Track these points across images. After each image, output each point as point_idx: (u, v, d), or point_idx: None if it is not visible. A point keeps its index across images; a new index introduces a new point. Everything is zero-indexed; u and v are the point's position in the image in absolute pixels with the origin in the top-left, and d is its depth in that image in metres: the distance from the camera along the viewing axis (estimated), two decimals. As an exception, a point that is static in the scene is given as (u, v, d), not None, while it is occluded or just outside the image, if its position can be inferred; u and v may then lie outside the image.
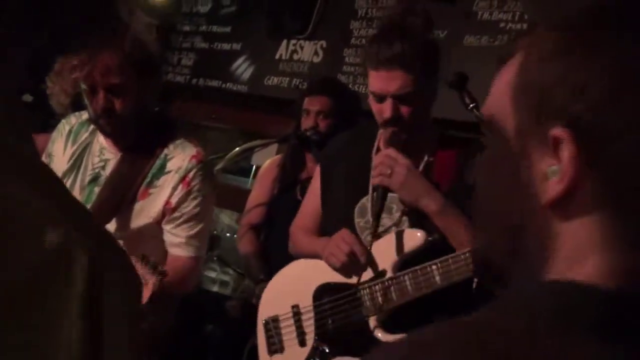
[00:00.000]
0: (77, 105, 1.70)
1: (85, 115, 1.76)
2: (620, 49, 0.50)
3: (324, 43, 3.90)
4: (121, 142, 1.69)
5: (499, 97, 0.57)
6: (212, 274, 3.43)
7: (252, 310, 2.28)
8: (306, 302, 1.72)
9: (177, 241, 1.69)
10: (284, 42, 4.07)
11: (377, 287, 1.61)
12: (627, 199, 0.49)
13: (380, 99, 1.57)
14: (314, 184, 1.90)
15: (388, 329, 1.60)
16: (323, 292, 1.70)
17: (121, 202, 1.66)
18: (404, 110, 1.55)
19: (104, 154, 1.72)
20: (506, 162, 0.56)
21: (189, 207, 1.68)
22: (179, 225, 1.68)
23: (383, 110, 1.58)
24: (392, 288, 1.59)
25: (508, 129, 0.56)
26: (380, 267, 1.62)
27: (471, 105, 1.72)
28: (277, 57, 4.07)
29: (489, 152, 0.62)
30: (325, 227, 1.79)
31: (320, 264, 1.69)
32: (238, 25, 4.32)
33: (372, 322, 1.62)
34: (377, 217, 1.58)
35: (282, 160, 2.61)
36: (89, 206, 1.62)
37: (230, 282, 3.35)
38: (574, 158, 0.50)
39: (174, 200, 1.67)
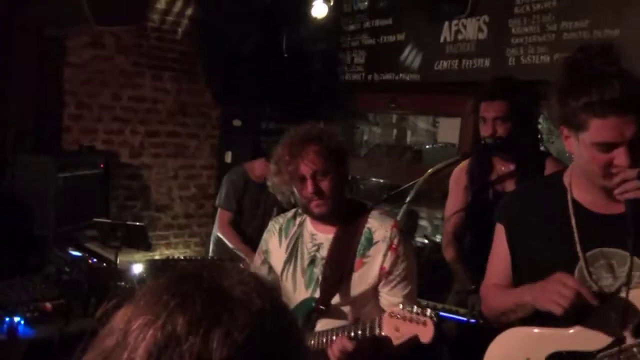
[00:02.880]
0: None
1: (290, 214, 2.11)
2: None
3: (486, 18, 3.87)
4: (330, 221, 1.95)
5: None
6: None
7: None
8: None
9: (396, 301, 1.84)
10: (446, 24, 4.11)
11: (622, 356, 1.49)
12: None
13: (610, 147, 1.46)
14: (499, 246, 1.79)
15: None
16: None
17: (342, 276, 1.90)
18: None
19: (316, 239, 1.98)
20: None
21: (400, 269, 1.88)
22: (394, 287, 1.89)
23: (616, 159, 1.46)
24: (639, 356, 1.47)
25: None
26: (618, 334, 1.50)
27: None
28: (441, 40, 4.14)
29: None
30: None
31: (544, 332, 1.63)
32: (398, 15, 4.45)
33: None
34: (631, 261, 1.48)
35: (470, 167, 2.71)
36: (312, 285, 1.95)
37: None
38: None
39: (387, 265, 1.88)
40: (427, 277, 3.60)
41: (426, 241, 4.29)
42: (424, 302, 2.71)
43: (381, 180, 4.86)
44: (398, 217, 2.59)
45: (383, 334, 1.65)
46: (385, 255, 1.89)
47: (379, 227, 1.92)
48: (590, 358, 1.54)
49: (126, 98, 4.96)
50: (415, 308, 1.61)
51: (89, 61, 4.70)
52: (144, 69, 5.02)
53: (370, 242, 1.92)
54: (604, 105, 1.42)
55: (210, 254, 4.09)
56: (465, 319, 2.52)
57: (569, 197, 1.65)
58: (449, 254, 2.74)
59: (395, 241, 1.89)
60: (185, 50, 5.21)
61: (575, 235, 1.60)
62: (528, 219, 1.73)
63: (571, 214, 1.62)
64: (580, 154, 1.54)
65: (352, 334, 1.74)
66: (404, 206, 2.68)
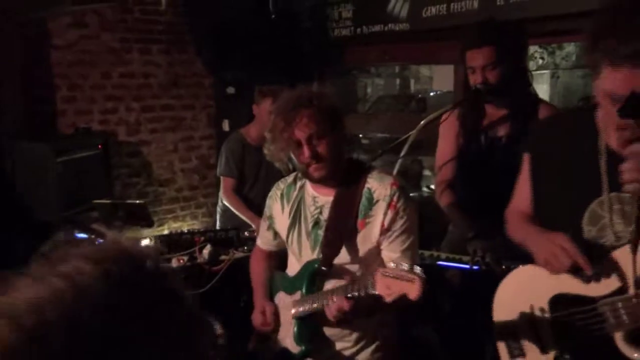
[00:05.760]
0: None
1: (290, 178, 2.14)
2: None
3: (472, -44, 3.74)
4: (330, 183, 1.99)
5: None
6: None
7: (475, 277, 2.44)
8: (541, 310, 1.67)
9: (394, 256, 1.92)
10: (433, -33, 3.99)
11: (620, 304, 1.50)
12: None
13: (620, 99, 1.37)
14: (524, 174, 1.81)
15: (636, 343, 1.50)
16: (559, 303, 1.62)
17: (343, 237, 1.94)
18: None
19: (317, 201, 2.02)
20: None
21: (399, 224, 1.92)
22: (392, 241, 1.93)
23: None
24: (637, 307, 1.47)
25: None
26: (621, 282, 1.50)
27: None
28: (429, -15, 4.03)
29: None
30: (541, 222, 1.72)
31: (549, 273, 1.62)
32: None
33: (617, 337, 1.52)
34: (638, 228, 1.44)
35: (461, 115, 2.65)
36: (317, 247, 1.99)
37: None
38: None
39: (386, 222, 1.92)
40: (432, 227, 3.60)
41: (430, 190, 4.28)
42: (427, 253, 2.72)
43: (387, 135, 4.82)
44: (394, 171, 2.56)
45: (376, 292, 1.67)
46: (385, 213, 1.92)
47: (378, 186, 1.95)
48: (591, 303, 1.55)
49: (117, 76, 4.92)
50: (405, 266, 1.63)
51: (75, 42, 4.65)
52: (132, 44, 4.96)
53: (371, 202, 1.95)
54: (618, 55, 1.32)
55: (218, 224, 4.12)
56: (468, 266, 2.53)
57: (601, 143, 1.58)
58: (444, 202, 2.71)
59: (395, 198, 1.92)
60: (171, 21, 5.13)
61: (604, 179, 1.55)
62: (553, 155, 1.69)
63: (602, 162, 1.56)
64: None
65: (349, 294, 1.78)
66: (399, 161, 2.65)
